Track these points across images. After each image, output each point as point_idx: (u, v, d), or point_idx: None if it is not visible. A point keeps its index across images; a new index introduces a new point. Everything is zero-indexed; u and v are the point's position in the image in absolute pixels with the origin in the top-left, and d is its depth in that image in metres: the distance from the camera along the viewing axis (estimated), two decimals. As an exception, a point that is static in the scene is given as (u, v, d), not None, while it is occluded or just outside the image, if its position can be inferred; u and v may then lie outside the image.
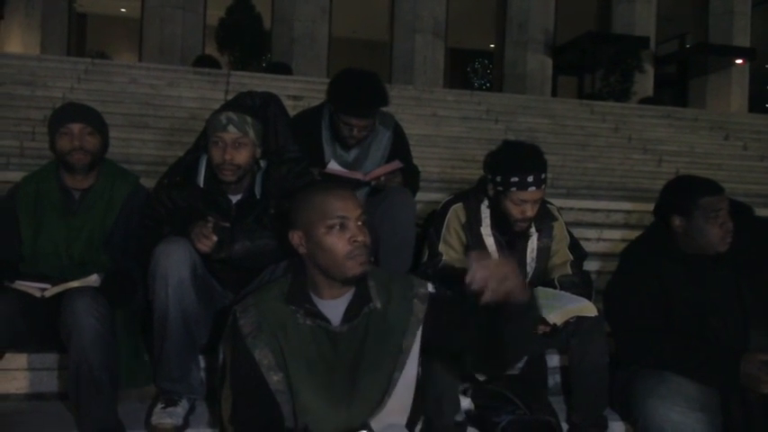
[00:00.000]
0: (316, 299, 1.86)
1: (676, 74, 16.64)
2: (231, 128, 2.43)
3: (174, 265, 2.25)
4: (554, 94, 14.83)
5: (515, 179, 2.53)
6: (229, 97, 3.45)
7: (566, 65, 15.67)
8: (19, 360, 2.53)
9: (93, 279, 2.37)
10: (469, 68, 20.45)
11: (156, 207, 2.55)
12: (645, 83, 14.45)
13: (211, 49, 12.43)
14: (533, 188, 2.54)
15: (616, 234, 4.41)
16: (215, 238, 2.32)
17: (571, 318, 2.44)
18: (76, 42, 15.13)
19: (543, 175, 2.57)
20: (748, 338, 2.37)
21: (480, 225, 2.71)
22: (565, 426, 2.50)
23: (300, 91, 7.97)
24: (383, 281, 1.93)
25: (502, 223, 2.66)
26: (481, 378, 2.64)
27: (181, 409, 2.31)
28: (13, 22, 12.61)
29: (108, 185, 2.68)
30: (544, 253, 2.76)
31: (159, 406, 2.31)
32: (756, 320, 2.39)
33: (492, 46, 16.58)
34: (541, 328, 2.37)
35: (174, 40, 12.44)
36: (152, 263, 2.28)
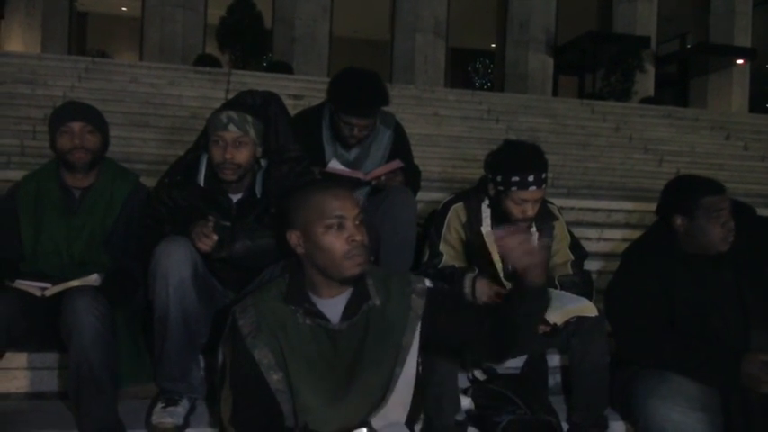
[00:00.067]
0: (314, 298, 1.87)
1: (677, 74, 16.63)
2: (232, 127, 2.43)
3: (175, 264, 2.25)
4: (555, 93, 14.83)
5: (516, 179, 2.53)
6: (230, 96, 3.44)
7: (567, 64, 15.67)
8: (19, 359, 2.53)
9: (94, 278, 2.37)
10: (470, 68, 20.44)
11: (157, 206, 2.54)
12: (646, 83, 14.44)
13: (212, 49, 12.42)
14: (534, 188, 2.54)
15: (617, 234, 4.41)
16: (215, 238, 2.31)
17: (572, 317, 2.44)
18: (77, 41, 15.14)
19: (544, 175, 2.56)
20: (749, 338, 2.37)
21: (481, 225, 2.71)
22: (565, 425, 2.50)
23: (301, 90, 7.97)
24: (381, 278, 1.93)
25: (502, 223, 2.66)
26: (482, 377, 2.65)
27: (181, 408, 2.31)
28: (14, 21, 12.61)
29: (108, 184, 2.68)
30: (545, 253, 2.76)
31: (160, 405, 2.31)
32: (757, 320, 2.39)
33: (493, 45, 16.58)
34: (542, 328, 2.37)
35: (175, 39, 12.43)
36: (153, 262, 2.28)
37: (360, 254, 1.79)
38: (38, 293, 2.33)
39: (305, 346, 1.83)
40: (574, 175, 6.82)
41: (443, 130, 7.75)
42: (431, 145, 7.08)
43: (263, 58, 12.54)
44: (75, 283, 2.33)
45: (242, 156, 2.44)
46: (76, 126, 2.59)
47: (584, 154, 7.72)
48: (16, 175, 3.32)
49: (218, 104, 2.77)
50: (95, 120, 2.66)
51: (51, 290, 2.33)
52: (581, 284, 2.71)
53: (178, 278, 2.25)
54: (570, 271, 2.73)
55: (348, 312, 1.86)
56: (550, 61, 14.83)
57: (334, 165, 3.00)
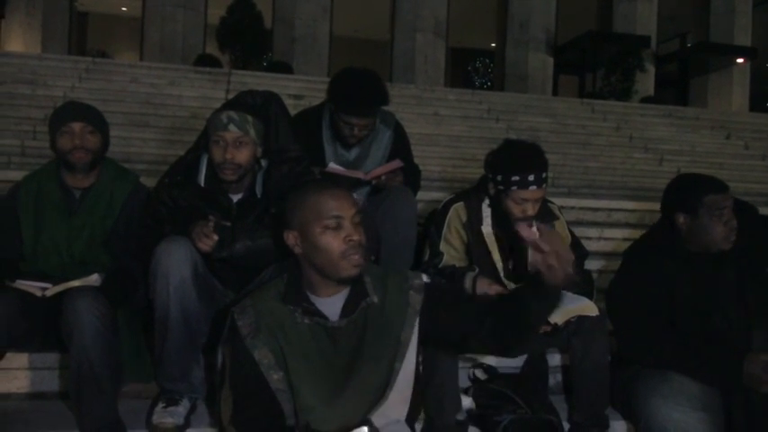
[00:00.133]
0: (312, 297, 1.87)
1: (677, 73, 16.64)
2: (232, 127, 2.42)
3: (176, 264, 2.25)
4: (555, 93, 14.83)
5: (516, 178, 2.52)
6: (230, 96, 3.44)
7: (567, 64, 15.69)
8: (20, 359, 2.53)
9: (94, 278, 2.37)
10: (470, 67, 20.44)
11: (157, 206, 2.54)
12: (646, 82, 14.46)
13: (212, 48, 12.44)
14: (534, 187, 2.53)
15: (617, 233, 4.41)
16: (216, 238, 2.31)
17: (572, 317, 2.44)
18: (77, 41, 15.15)
19: (544, 174, 2.56)
20: (751, 338, 2.37)
21: (481, 224, 2.71)
22: (566, 425, 2.50)
23: (301, 90, 7.97)
24: (379, 276, 1.94)
25: (503, 222, 2.66)
26: (483, 377, 2.65)
27: (182, 408, 2.31)
28: (14, 21, 12.62)
29: (109, 185, 2.68)
30: (545, 252, 2.75)
31: (160, 405, 2.30)
32: (759, 320, 2.39)
33: (493, 45, 16.59)
34: (542, 328, 2.36)
35: (175, 39, 12.45)
36: (153, 262, 2.27)
37: (357, 253, 1.79)
38: (38, 294, 2.33)
39: (304, 344, 1.83)
40: (574, 175, 6.82)
41: (443, 130, 7.75)
42: (431, 144, 7.08)
43: (263, 57, 12.55)
44: (75, 283, 2.33)
45: (242, 156, 2.44)
46: (77, 126, 2.59)
47: (585, 153, 7.72)
48: (17, 175, 3.32)
49: (218, 104, 2.77)
50: (96, 120, 2.66)
51: (52, 290, 2.33)
52: (581, 284, 2.70)
53: (179, 278, 2.25)
54: (570, 270, 2.72)
55: (346, 310, 1.86)
56: (550, 61, 14.84)
57: (334, 165, 3.00)
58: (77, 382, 2.17)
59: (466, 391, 2.56)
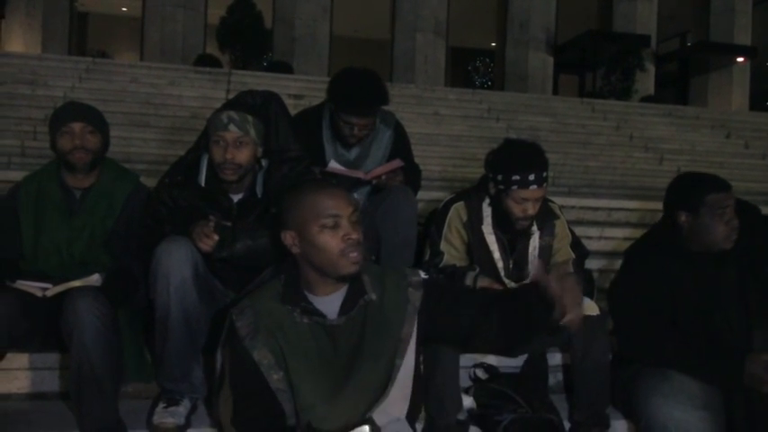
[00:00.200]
0: (311, 296, 1.87)
1: (677, 72, 16.65)
2: (232, 127, 2.42)
3: (176, 264, 2.25)
4: (555, 92, 14.84)
5: (517, 177, 2.52)
6: (230, 96, 3.44)
7: (567, 63, 15.69)
8: (20, 360, 2.53)
9: (95, 279, 2.37)
10: (471, 67, 20.42)
11: (157, 206, 2.54)
12: (646, 81, 14.46)
13: (212, 48, 12.44)
14: (535, 186, 2.53)
15: (618, 232, 4.42)
16: (216, 238, 2.31)
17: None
18: (77, 42, 15.15)
19: (545, 174, 2.56)
20: (752, 338, 2.37)
21: (482, 224, 2.71)
22: (567, 424, 2.50)
23: (301, 90, 7.98)
24: (377, 274, 1.94)
25: (503, 222, 2.66)
26: (483, 377, 2.65)
27: (183, 408, 2.31)
28: (15, 22, 12.62)
29: (109, 185, 2.68)
30: (546, 251, 2.76)
31: (161, 405, 2.30)
32: (760, 320, 2.39)
33: (493, 45, 16.58)
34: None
35: (176, 39, 12.45)
36: (153, 262, 2.27)
37: (356, 251, 1.80)
38: (39, 294, 2.33)
39: (304, 343, 1.83)
40: (574, 174, 6.82)
41: (444, 130, 7.75)
42: (431, 144, 7.09)
43: (263, 57, 12.55)
44: (76, 283, 2.33)
45: (243, 156, 2.44)
46: (77, 126, 2.59)
47: (585, 152, 7.72)
48: (17, 175, 3.31)
49: (218, 104, 2.77)
50: (96, 120, 2.66)
51: (52, 290, 2.33)
52: (582, 283, 2.70)
53: (179, 278, 2.25)
54: (571, 269, 2.72)
55: (345, 308, 1.86)
56: (550, 60, 14.84)
57: (334, 165, 3.00)
58: (78, 382, 2.16)
59: (467, 391, 2.56)
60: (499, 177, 2.58)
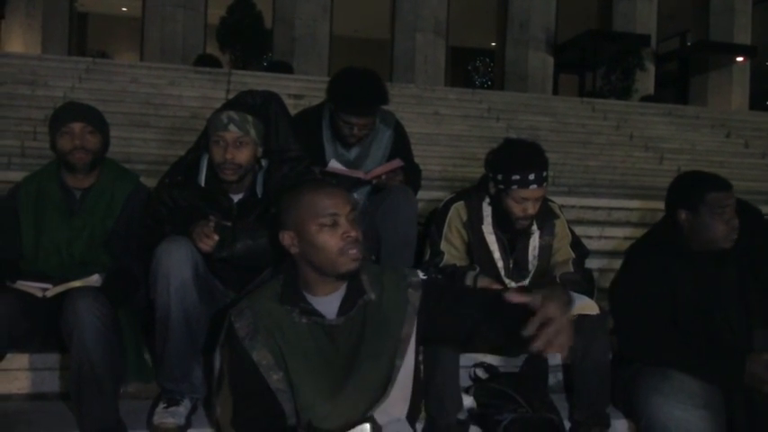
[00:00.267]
0: (309, 297, 1.87)
1: (677, 72, 16.66)
2: (232, 127, 2.42)
3: (176, 264, 2.25)
4: (555, 92, 14.84)
5: (517, 177, 2.52)
6: (230, 96, 3.44)
7: (567, 63, 15.71)
8: (20, 360, 2.53)
9: (95, 279, 2.37)
10: (470, 67, 20.44)
11: (158, 206, 2.54)
12: (646, 81, 14.47)
13: (212, 48, 12.44)
14: (535, 186, 2.53)
15: (618, 232, 4.41)
16: (216, 238, 2.31)
17: (573, 316, 2.43)
18: (77, 42, 15.16)
19: (545, 173, 2.56)
20: (752, 338, 2.37)
21: (482, 223, 2.71)
22: (567, 424, 2.50)
23: (301, 90, 7.98)
24: (375, 273, 1.94)
25: (503, 221, 2.66)
26: (484, 376, 2.65)
27: (183, 408, 2.31)
28: (15, 22, 12.63)
29: (109, 185, 2.68)
30: (546, 251, 2.76)
31: (161, 406, 2.30)
32: (760, 320, 2.39)
33: (493, 44, 16.59)
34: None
35: (176, 40, 12.46)
36: (154, 262, 2.27)
37: (355, 249, 1.79)
38: (39, 294, 2.33)
39: (303, 344, 1.83)
40: (574, 174, 6.82)
41: (444, 129, 7.75)
42: (431, 144, 7.09)
43: (263, 57, 12.56)
44: (76, 283, 2.33)
45: (243, 156, 2.44)
46: (77, 127, 2.59)
47: (585, 152, 7.72)
48: (17, 176, 3.31)
49: (218, 104, 2.77)
50: (96, 120, 2.66)
51: (52, 290, 2.33)
52: (582, 282, 2.71)
53: (179, 278, 2.24)
54: (571, 269, 2.72)
55: (344, 308, 1.86)
56: (550, 60, 14.85)
57: (334, 164, 3.00)
58: (78, 382, 2.16)
59: (467, 391, 2.56)
60: (499, 177, 2.58)
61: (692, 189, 2.48)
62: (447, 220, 2.74)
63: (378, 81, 3.01)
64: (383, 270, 1.97)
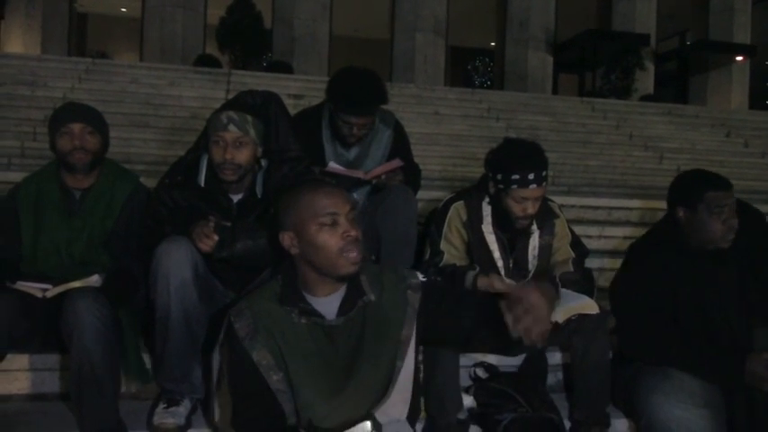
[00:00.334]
0: (309, 297, 1.87)
1: (677, 71, 16.65)
2: (232, 127, 2.42)
3: (176, 264, 2.25)
4: (555, 91, 14.84)
5: (516, 177, 2.52)
6: (230, 96, 3.44)
7: (566, 62, 15.70)
8: (20, 361, 2.53)
9: (95, 279, 2.37)
10: (470, 66, 20.44)
11: (157, 207, 2.54)
12: (645, 80, 14.47)
13: (212, 49, 12.43)
14: (534, 185, 2.53)
15: (617, 231, 4.42)
16: (216, 238, 2.31)
17: (573, 315, 2.44)
18: (77, 42, 15.15)
19: (544, 173, 2.56)
20: (752, 337, 2.37)
21: (482, 223, 2.71)
22: (567, 423, 2.50)
23: (301, 90, 7.98)
24: (374, 273, 1.94)
25: (503, 221, 2.66)
26: (484, 376, 2.65)
27: (183, 408, 2.31)
28: (14, 23, 12.63)
29: (109, 185, 2.68)
30: (546, 250, 2.76)
31: (161, 406, 2.30)
32: (760, 319, 2.39)
33: (493, 44, 16.59)
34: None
35: (175, 40, 12.45)
36: (153, 263, 2.27)
37: (355, 250, 1.79)
38: (39, 295, 2.33)
39: (302, 344, 1.83)
40: (574, 173, 6.82)
41: (443, 129, 7.76)
42: (431, 143, 7.09)
43: (262, 57, 12.55)
44: (76, 284, 2.33)
45: (242, 156, 2.44)
46: (76, 127, 2.59)
47: (585, 152, 7.72)
48: (17, 176, 3.31)
49: (218, 105, 2.77)
50: (95, 121, 2.66)
51: (52, 291, 2.33)
52: (582, 282, 2.71)
53: (179, 279, 2.25)
54: (571, 268, 2.73)
55: (344, 309, 1.86)
56: (550, 59, 14.84)
57: (334, 165, 3.00)
58: (78, 383, 2.16)
59: (467, 390, 2.57)
60: (499, 176, 2.58)
61: (690, 187, 2.49)
62: (447, 220, 2.74)
63: (377, 81, 3.01)
64: (382, 270, 1.97)
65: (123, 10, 16.76)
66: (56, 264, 2.54)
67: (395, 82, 10.65)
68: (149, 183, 2.92)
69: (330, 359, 1.84)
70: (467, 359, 2.64)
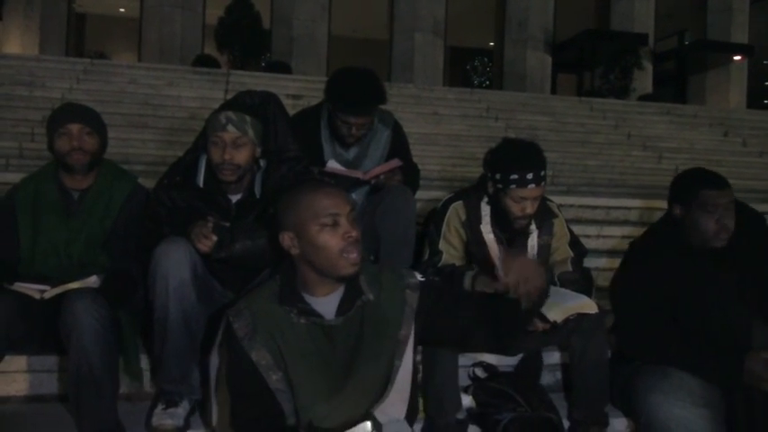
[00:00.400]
0: (308, 297, 1.87)
1: (675, 70, 16.65)
2: (230, 127, 2.42)
3: (175, 265, 2.25)
4: (553, 91, 14.84)
5: (515, 176, 2.52)
6: (229, 97, 3.44)
7: (565, 62, 15.70)
8: (19, 362, 2.52)
9: (93, 280, 2.37)
10: (469, 66, 20.43)
11: (156, 207, 2.54)
12: (644, 80, 14.48)
13: (211, 49, 12.43)
14: (533, 185, 2.53)
15: (616, 231, 4.41)
16: (215, 238, 2.31)
17: (571, 315, 2.43)
18: (75, 43, 15.13)
19: (543, 173, 2.56)
20: (751, 336, 2.37)
21: (480, 223, 2.71)
22: (566, 423, 2.50)
23: (300, 90, 7.97)
24: (373, 273, 1.94)
25: (502, 221, 2.66)
26: (482, 375, 2.65)
27: (182, 409, 2.31)
28: (12, 23, 12.62)
29: (107, 186, 2.68)
30: (544, 250, 2.76)
31: (160, 407, 2.30)
32: (759, 319, 2.39)
33: (491, 44, 16.60)
34: (541, 326, 2.36)
35: (174, 40, 12.44)
36: (152, 263, 2.27)
37: (355, 251, 1.80)
38: (37, 296, 2.32)
39: (301, 344, 1.83)
40: (573, 173, 6.82)
41: (442, 129, 7.76)
42: (430, 143, 7.09)
43: (261, 58, 12.54)
44: (74, 285, 2.33)
45: (241, 156, 2.44)
46: (75, 128, 2.58)
47: (584, 151, 7.72)
48: (15, 177, 3.31)
49: (216, 105, 2.77)
50: (94, 121, 2.66)
51: (50, 292, 2.32)
52: (581, 281, 2.71)
53: (178, 279, 2.24)
54: (570, 268, 2.72)
55: (342, 308, 1.86)
56: (549, 59, 14.86)
57: (333, 164, 3.00)
58: (76, 384, 2.16)
59: (466, 390, 2.57)
60: (498, 176, 2.58)
61: (686, 185, 2.49)
62: (446, 220, 2.74)
63: (376, 80, 3.01)
64: (381, 270, 1.98)
65: (122, 10, 16.73)
66: (54, 265, 2.53)
67: (393, 82, 10.66)
68: (148, 183, 2.92)
69: (329, 359, 1.84)
70: (466, 359, 2.64)
